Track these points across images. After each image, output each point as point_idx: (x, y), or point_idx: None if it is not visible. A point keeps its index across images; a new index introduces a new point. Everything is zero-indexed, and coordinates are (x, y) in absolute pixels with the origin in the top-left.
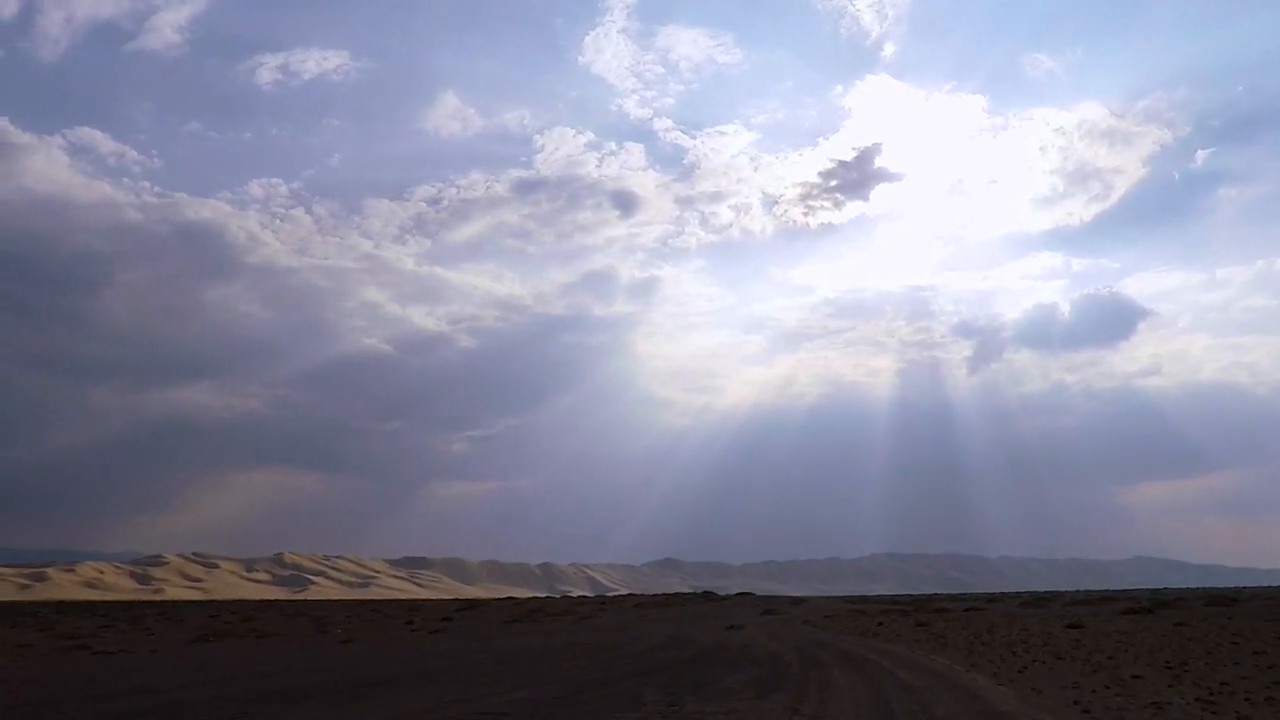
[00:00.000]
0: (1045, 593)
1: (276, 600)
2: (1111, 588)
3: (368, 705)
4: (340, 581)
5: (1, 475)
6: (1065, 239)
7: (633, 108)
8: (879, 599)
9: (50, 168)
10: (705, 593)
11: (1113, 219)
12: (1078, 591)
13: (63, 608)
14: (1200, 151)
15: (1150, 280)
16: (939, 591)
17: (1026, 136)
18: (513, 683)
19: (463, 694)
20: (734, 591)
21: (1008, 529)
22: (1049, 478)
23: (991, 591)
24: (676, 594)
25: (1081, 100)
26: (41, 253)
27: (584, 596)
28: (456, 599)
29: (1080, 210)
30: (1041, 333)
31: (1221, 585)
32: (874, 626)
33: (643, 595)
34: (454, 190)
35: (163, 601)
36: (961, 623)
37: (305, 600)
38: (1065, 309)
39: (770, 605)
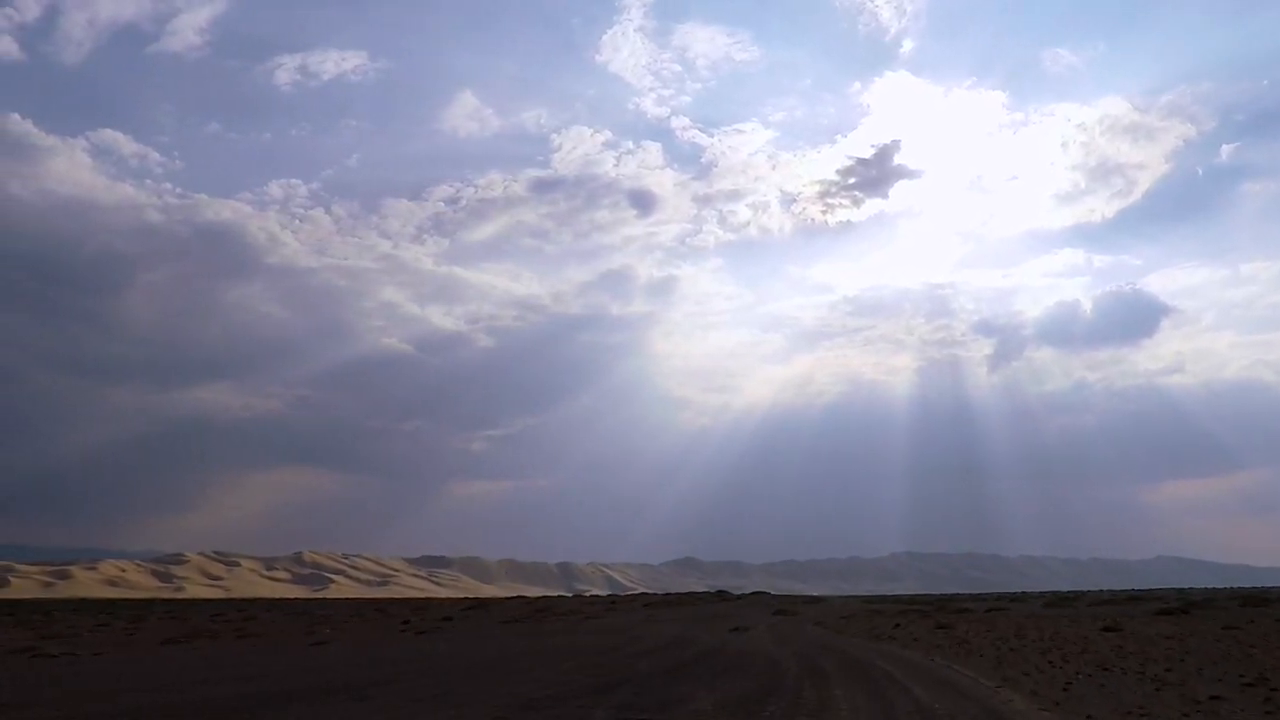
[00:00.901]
0: (1068, 593)
1: (291, 599)
2: (1135, 587)
3: None
4: (359, 580)
5: (26, 475)
6: (1087, 235)
7: (650, 106)
8: (897, 599)
9: (73, 169)
10: (719, 592)
11: (1135, 215)
12: (1101, 591)
13: (69, 605)
14: (1225, 146)
15: (1174, 277)
16: (959, 591)
17: (1047, 132)
18: (456, 698)
19: (381, 710)
20: (751, 591)
21: (1028, 528)
22: (1070, 477)
23: (1013, 591)
24: (690, 593)
25: (1103, 95)
26: (65, 254)
27: (596, 596)
28: (467, 598)
29: (1102, 206)
30: (1063, 330)
31: (1247, 585)
32: (890, 629)
33: (654, 595)
34: (472, 190)
35: (172, 600)
36: (985, 625)
37: (317, 599)
38: (1087, 306)
39: (784, 605)
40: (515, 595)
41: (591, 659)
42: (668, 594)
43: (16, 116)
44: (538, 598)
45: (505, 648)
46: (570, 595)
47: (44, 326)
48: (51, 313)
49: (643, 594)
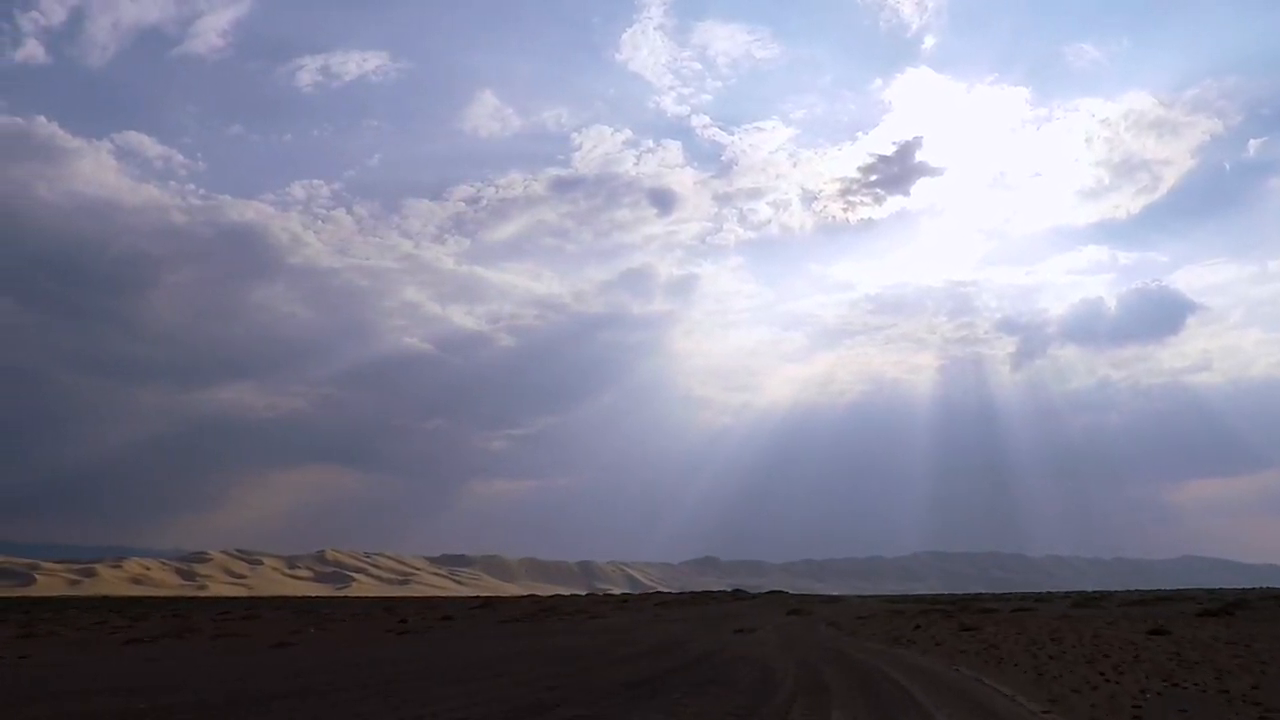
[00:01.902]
0: (1095, 592)
1: (300, 597)
2: (1160, 587)
3: None
4: (380, 579)
5: (53, 474)
6: (1112, 232)
7: (670, 105)
8: (919, 598)
9: (99, 171)
10: (735, 591)
11: (1161, 211)
12: (1128, 591)
13: (75, 604)
14: (1252, 141)
15: (1200, 274)
16: (982, 590)
17: (1071, 128)
18: (362, 713)
19: None
20: (768, 590)
21: (1052, 528)
22: (1094, 476)
23: (1037, 591)
24: (706, 592)
25: (1128, 90)
26: (90, 255)
27: (609, 594)
28: (478, 596)
29: (1127, 203)
30: (1087, 328)
31: (1276, 585)
32: (910, 631)
33: (669, 594)
34: (492, 190)
35: (187, 598)
36: (1014, 626)
37: (324, 598)
38: (1112, 304)
39: (799, 605)
40: (529, 594)
41: (559, 667)
42: (682, 593)
43: (43, 119)
44: (549, 596)
45: (482, 651)
46: (584, 594)
47: (70, 327)
48: (77, 313)
49: (657, 593)
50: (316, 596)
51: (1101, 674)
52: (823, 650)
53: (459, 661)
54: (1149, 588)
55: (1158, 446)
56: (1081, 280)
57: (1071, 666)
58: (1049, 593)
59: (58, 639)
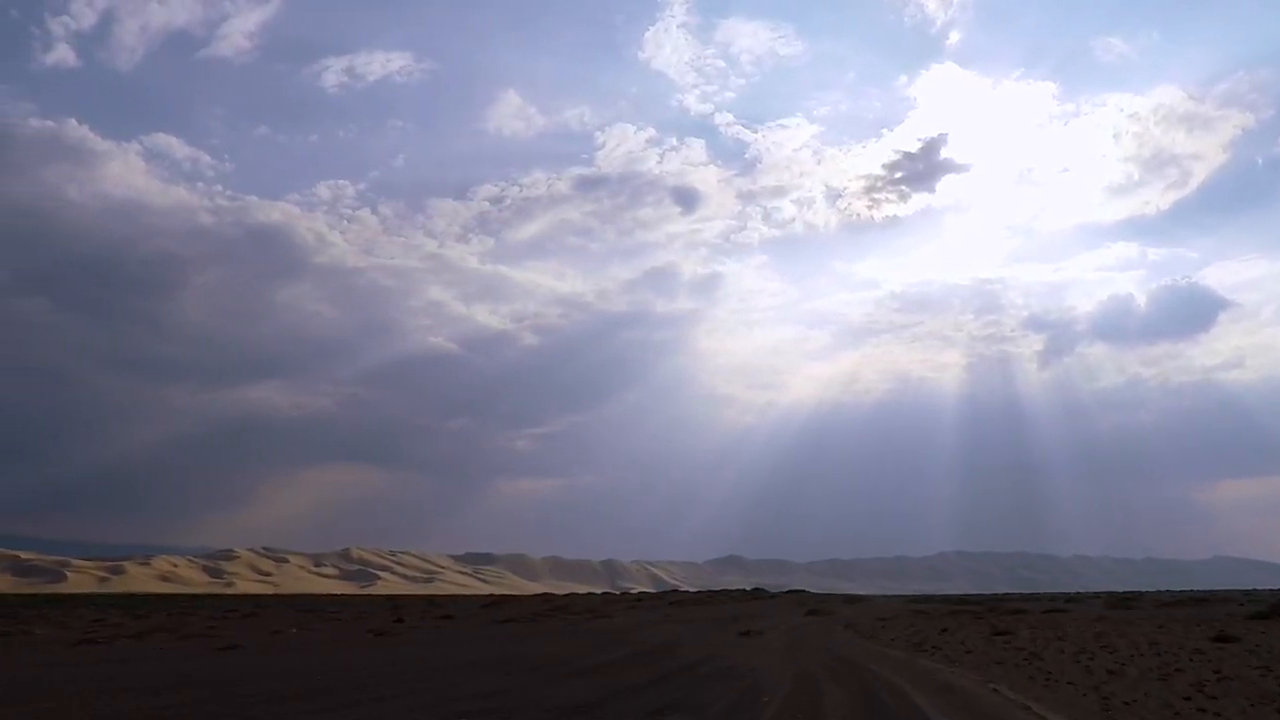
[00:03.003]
0: (1127, 593)
1: (307, 595)
2: (1193, 588)
3: None
4: (405, 577)
5: (83, 473)
6: (1141, 228)
7: (693, 103)
8: (945, 598)
9: (128, 173)
10: (755, 590)
11: (1191, 207)
12: (1160, 592)
13: (91, 600)
14: None
15: (1232, 270)
16: (1009, 591)
17: (1099, 123)
18: None
19: None
20: (788, 589)
21: (1081, 527)
22: (1124, 475)
23: (1067, 591)
24: (724, 591)
25: (1157, 84)
26: (120, 256)
27: (625, 594)
28: (489, 595)
29: (1157, 198)
30: (1116, 326)
31: None
32: (936, 634)
33: (686, 592)
34: (516, 189)
35: (202, 595)
36: (1051, 629)
37: (327, 595)
38: (1141, 301)
39: (819, 604)
40: (543, 593)
41: (500, 681)
42: (700, 592)
43: (73, 122)
44: (563, 595)
45: (448, 656)
46: (600, 593)
47: (100, 327)
48: (108, 314)
49: (673, 591)
50: (323, 595)
51: (1186, 699)
52: (832, 659)
53: (393, 670)
54: (1181, 588)
55: (1189, 445)
56: (1110, 277)
57: (1140, 685)
58: (1079, 593)
59: (22, 638)
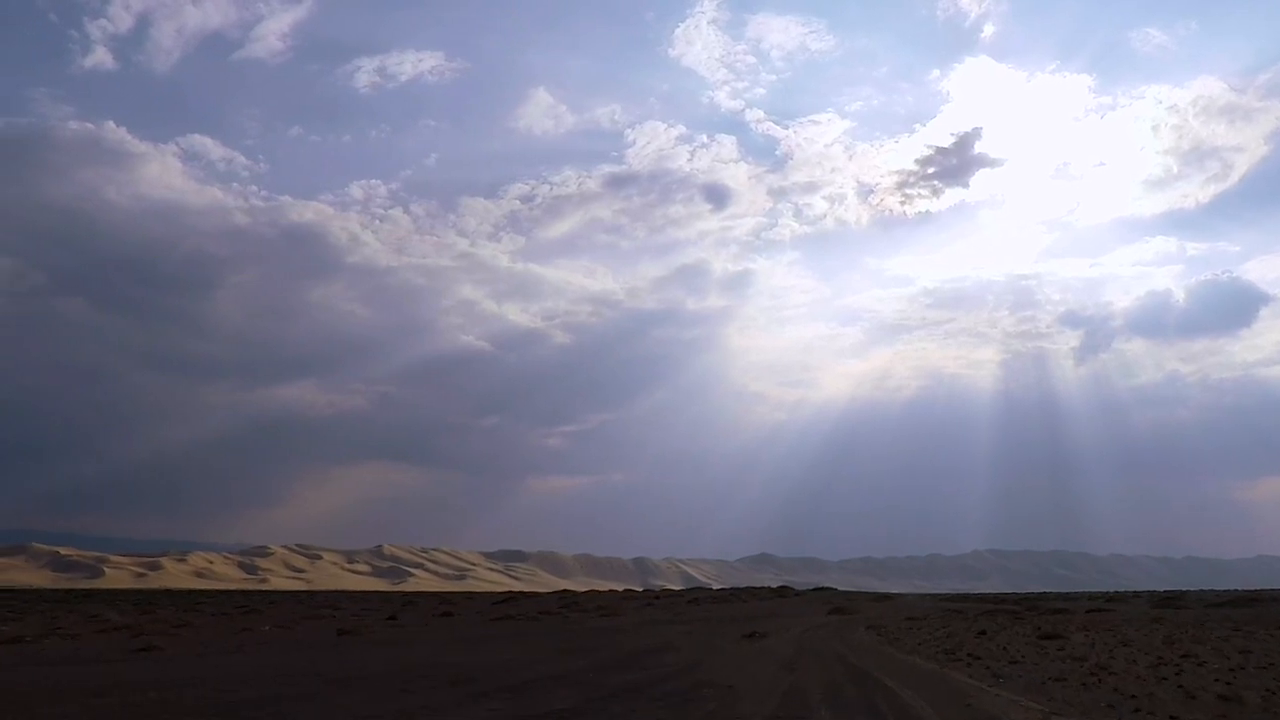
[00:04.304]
0: (1170, 592)
1: (313, 591)
2: (1236, 587)
3: None
4: (437, 574)
5: (122, 470)
6: (1180, 222)
7: (724, 99)
8: (980, 597)
9: (165, 174)
10: (780, 588)
11: (1232, 200)
12: (1204, 591)
13: (99, 596)
14: None
15: (1274, 264)
16: (1046, 590)
17: (1137, 116)
18: None
19: None
20: (815, 587)
21: (1118, 526)
22: (1163, 473)
23: (1105, 590)
24: (749, 588)
25: (1197, 75)
26: (158, 257)
27: (648, 590)
28: (503, 592)
29: (1196, 192)
30: (1155, 321)
31: None
32: (972, 638)
33: (708, 589)
34: (547, 187)
35: (225, 591)
36: (1107, 631)
37: (330, 592)
38: (1180, 296)
39: (844, 603)
40: (561, 590)
41: (397, 698)
42: (722, 589)
43: (112, 124)
44: (584, 592)
45: (367, 666)
46: (621, 590)
47: (139, 327)
48: (146, 313)
49: (696, 588)
50: (331, 592)
51: None
52: (841, 671)
53: (279, 682)
54: (1223, 588)
55: (1230, 442)
56: (1148, 272)
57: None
58: (1119, 591)
59: None
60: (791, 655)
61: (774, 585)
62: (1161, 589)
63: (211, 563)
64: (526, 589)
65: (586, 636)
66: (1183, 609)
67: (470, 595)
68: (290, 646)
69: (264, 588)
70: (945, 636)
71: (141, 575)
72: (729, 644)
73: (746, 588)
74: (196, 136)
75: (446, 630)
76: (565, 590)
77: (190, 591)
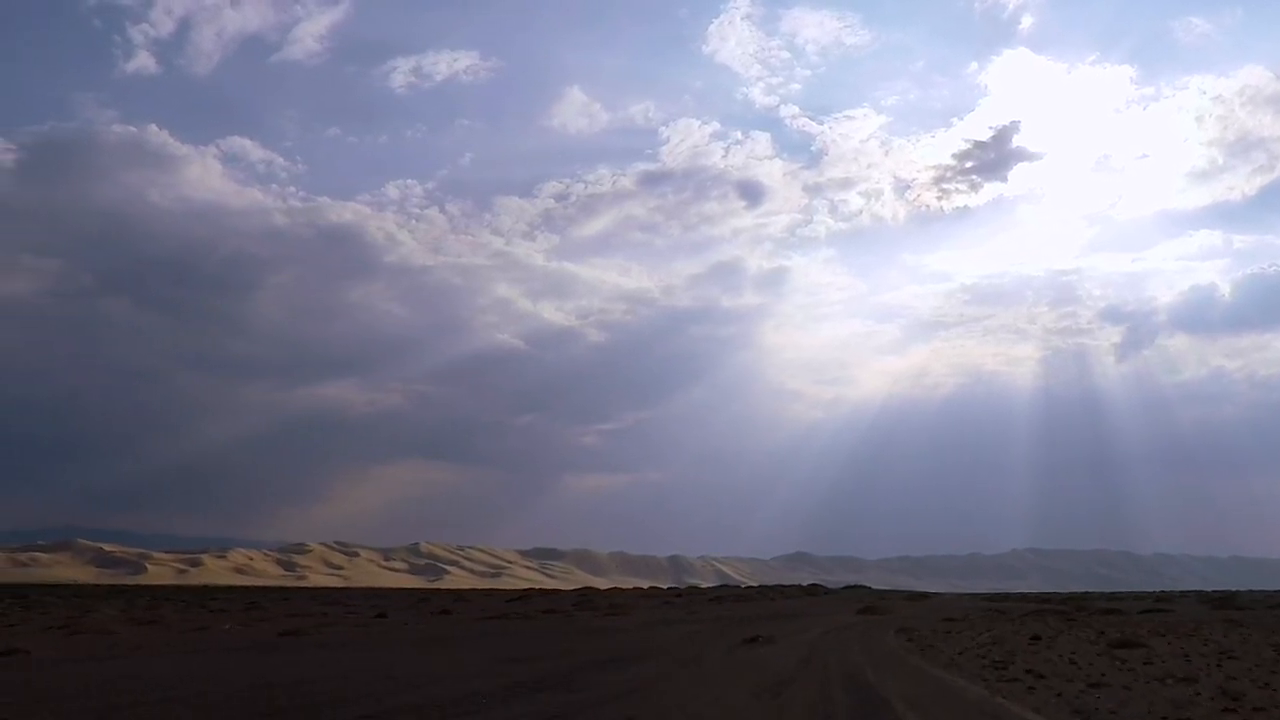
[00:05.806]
0: (1220, 592)
1: (322, 589)
2: None
3: None
4: (473, 571)
5: (164, 468)
6: (1225, 215)
7: (758, 95)
8: (1022, 596)
9: (206, 176)
10: (811, 586)
11: None
12: (1255, 591)
13: (108, 592)
14: None
15: None
16: (1089, 589)
17: (1181, 107)
18: None
19: None
20: (846, 585)
21: (1162, 524)
22: (1208, 471)
23: (1151, 590)
24: (777, 586)
25: (1243, 64)
26: (199, 258)
27: (673, 588)
28: (517, 590)
29: (1242, 184)
30: (1199, 316)
31: None
32: (1024, 645)
33: (735, 587)
34: (581, 186)
35: (222, 588)
36: (1191, 638)
37: (340, 588)
38: (1225, 290)
39: (875, 602)
40: (581, 588)
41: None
42: (749, 587)
43: (154, 127)
44: (604, 590)
45: (266, 674)
46: (646, 586)
47: (181, 327)
48: (188, 314)
49: (722, 586)
50: (339, 589)
51: None
52: (844, 701)
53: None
54: (1273, 588)
55: (1277, 439)
56: (1192, 266)
57: None
58: (1166, 591)
59: None
60: (791, 669)
61: (805, 584)
62: (1209, 589)
63: (251, 559)
64: (559, 586)
65: (556, 641)
66: (1238, 609)
67: (489, 593)
68: (212, 648)
69: (301, 584)
70: (991, 643)
71: (183, 571)
72: (719, 652)
73: (775, 586)
74: (236, 138)
75: (403, 632)
76: (587, 588)
77: (205, 587)
